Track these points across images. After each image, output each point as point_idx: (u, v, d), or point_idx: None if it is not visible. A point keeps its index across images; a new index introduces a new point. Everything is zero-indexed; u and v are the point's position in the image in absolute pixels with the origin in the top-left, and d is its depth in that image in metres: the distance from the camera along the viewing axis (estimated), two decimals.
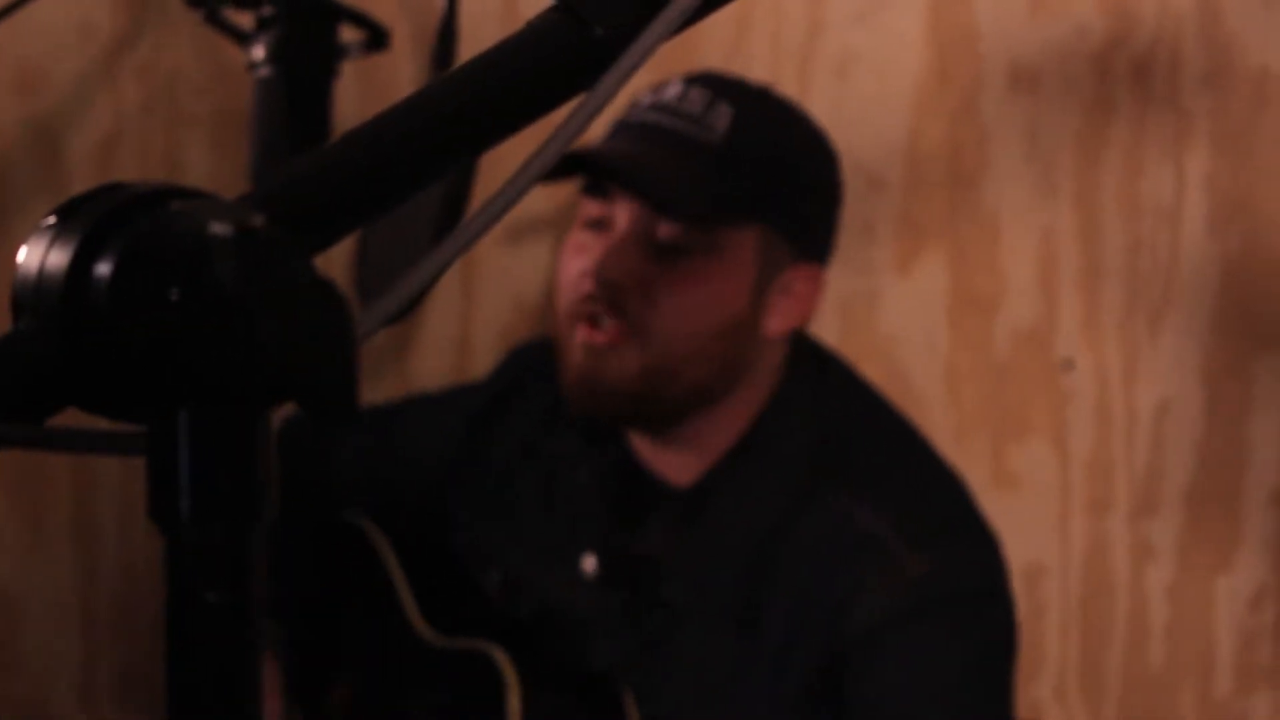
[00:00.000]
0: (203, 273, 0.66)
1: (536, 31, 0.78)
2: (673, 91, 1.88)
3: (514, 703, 1.82)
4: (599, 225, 1.87)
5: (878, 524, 1.86)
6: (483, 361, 2.55)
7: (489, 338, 2.60)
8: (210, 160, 2.60)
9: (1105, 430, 2.41)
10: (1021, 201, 2.41)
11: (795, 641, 1.86)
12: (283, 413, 0.71)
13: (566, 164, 1.85)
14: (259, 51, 1.88)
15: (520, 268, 2.58)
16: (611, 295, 1.84)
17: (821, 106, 2.41)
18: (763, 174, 1.88)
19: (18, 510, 2.71)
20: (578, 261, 1.87)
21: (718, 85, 1.90)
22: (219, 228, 0.67)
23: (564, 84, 0.78)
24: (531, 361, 2.13)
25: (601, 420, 1.96)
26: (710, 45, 2.46)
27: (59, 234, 0.68)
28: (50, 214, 0.69)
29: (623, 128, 1.90)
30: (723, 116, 1.86)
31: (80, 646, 2.75)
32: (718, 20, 2.61)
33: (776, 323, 1.91)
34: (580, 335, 1.86)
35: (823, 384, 1.97)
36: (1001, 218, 2.41)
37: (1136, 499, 2.40)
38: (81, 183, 2.59)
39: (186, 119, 2.61)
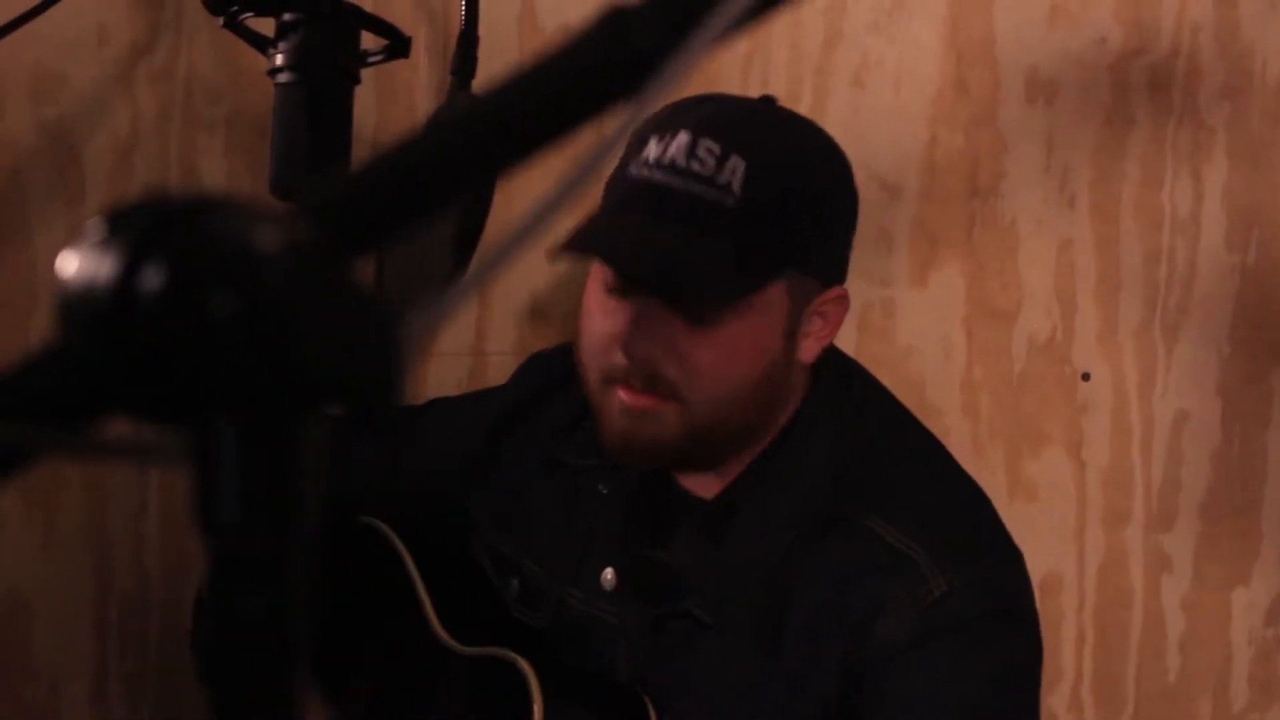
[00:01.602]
0: (250, 281, 0.65)
1: (579, 42, 0.78)
2: (680, 146, 1.80)
3: (538, 711, 1.81)
4: (622, 290, 1.83)
5: (900, 542, 1.84)
6: (497, 368, 2.56)
7: (504, 345, 2.60)
8: (226, 165, 2.60)
9: (1122, 442, 2.41)
10: (1039, 212, 2.41)
11: (815, 659, 1.84)
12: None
13: (584, 249, 1.83)
14: (280, 58, 1.88)
15: (535, 275, 2.58)
16: (645, 368, 1.81)
17: (839, 116, 2.42)
18: (786, 227, 1.82)
19: (31, 515, 2.71)
20: (604, 323, 1.84)
21: (725, 132, 1.80)
22: (266, 236, 0.66)
23: (605, 95, 0.78)
24: (551, 371, 2.13)
25: (647, 469, 1.95)
26: (729, 55, 2.46)
27: (105, 243, 0.68)
28: (96, 222, 0.68)
29: (632, 193, 1.82)
30: (736, 172, 1.77)
31: (93, 651, 2.76)
32: None
33: (809, 347, 1.89)
34: (619, 398, 1.84)
35: (847, 396, 1.95)
36: (1019, 228, 2.41)
37: (1153, 511, 2.40)
38: (98, 188, 2.60)
39: (203, 124, 2.61)
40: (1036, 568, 1.95)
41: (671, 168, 1.79)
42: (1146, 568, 2.41)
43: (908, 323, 2.46)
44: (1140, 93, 2.37)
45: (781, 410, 1.91)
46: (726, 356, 1.82)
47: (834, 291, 1.89)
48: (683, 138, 1.80)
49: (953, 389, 2.45)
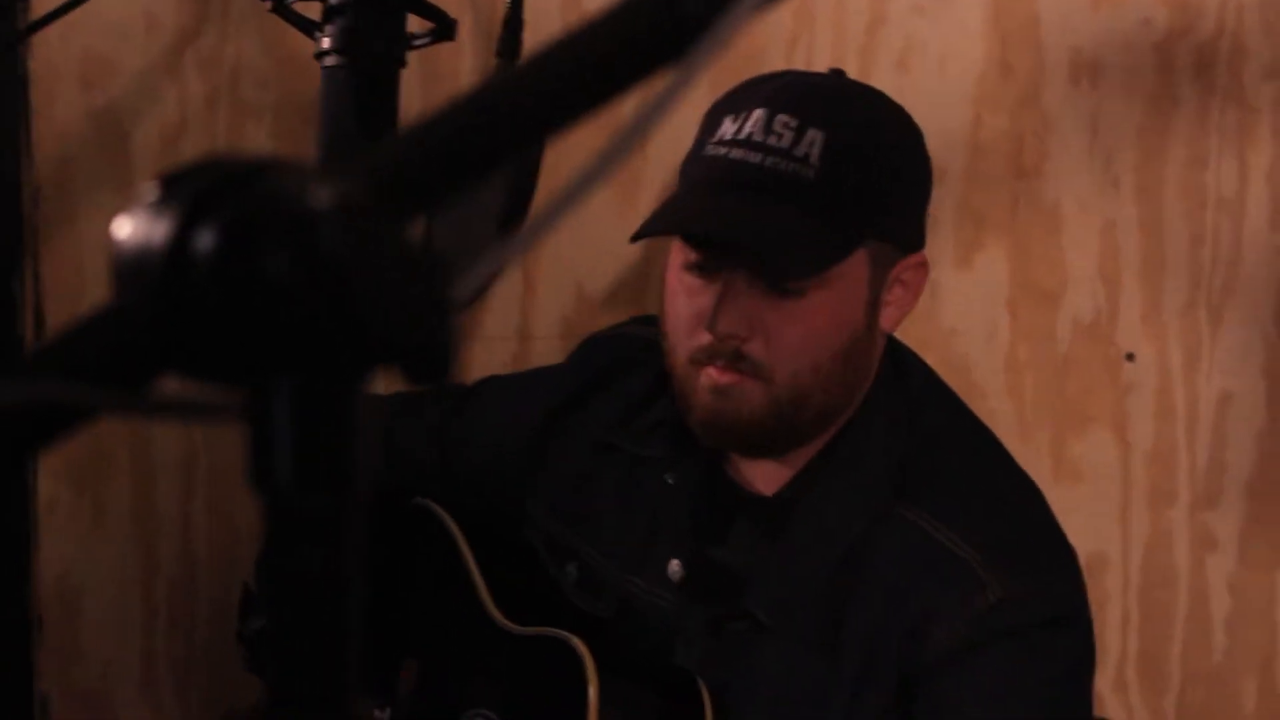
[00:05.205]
0: (305, 242, 0.66)
1: (626, 5, 0.79)
2: (756, 121, 1.80)
3: (592, 691, 1.81)
4: (705, 269, 1.83)
5: (956, 546, 1.83)
6: (543, 351, 2.56)
7: (550, 326, 2.61)
8: (274, 150, 2.61)
9: (1167, 422, 2.40)
10: (1083, 193, 2.40)
11: (873, 664, 1.84)
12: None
13: (671, 228, 1.83)
14: (326, 41, 1.89)
15: (581, 256, 2.58)
16: (729, 345, 1.81)
17: None
18: (865, 195, 1.82)
19: (79, 499, 2.73)
20: (688, 303, 1.84)
21: (800, 105, 1.81)
22: (320, 198, 0.67)
23: (653, 58, 0.79)
24: (608, 355, 2.12)
25: (732, 451, 1.95)
26: (773, 36, 2.46)
27: (159, 204, 0.68)
28: (150, 184, 0.69)
29: (710, 170, 1.83)
30: (814, 144, 1.78)
31: (141, 635, 2.77)
32: (780, 11, 2.59)
33: (890, 315, 1.89)
34: (705, 376, 1.83)
35: (904, 393, 1.95)
36: (1063, 209, 2.41)
37: (1198, 491, 2.40)
38: (146, 174, 2.61)
39: (250, 110, 2.63)
40: (1081, 548, 1.95)
41: (749, 143, 1.80)
42: (1192, 548, 2.41)
43: (952, 304, 2.46)
44: (1185, 73, 2.37)
45: (860, 388, 1.90)
46: (811, 329, 1.82)
47: (914, 258, 1.89)
48: (758, 114, 1.81)
49: (997, 370, 2.45)
